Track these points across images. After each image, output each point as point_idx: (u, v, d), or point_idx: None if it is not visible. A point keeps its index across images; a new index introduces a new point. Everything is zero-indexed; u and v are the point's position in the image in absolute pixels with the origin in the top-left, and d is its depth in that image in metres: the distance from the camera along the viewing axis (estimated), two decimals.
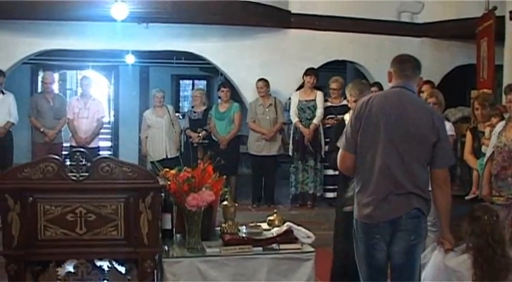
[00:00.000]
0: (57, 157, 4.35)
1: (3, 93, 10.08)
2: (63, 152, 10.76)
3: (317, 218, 9.68)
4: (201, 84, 18.99)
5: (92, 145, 10.51)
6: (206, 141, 10.51)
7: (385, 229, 4.32)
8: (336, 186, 9.70)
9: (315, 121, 10.15)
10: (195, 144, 10.51)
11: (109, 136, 17.17)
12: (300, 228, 4.98)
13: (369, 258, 4.44)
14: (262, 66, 10.88)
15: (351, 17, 11.07)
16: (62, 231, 4.30)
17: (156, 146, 10.69)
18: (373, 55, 11.29)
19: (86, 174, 4.31)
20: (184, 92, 19.76)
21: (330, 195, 10.18)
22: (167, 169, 4.83)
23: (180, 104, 19.08)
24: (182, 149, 10.96)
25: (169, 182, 4.57)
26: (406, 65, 4.58)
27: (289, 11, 10.89)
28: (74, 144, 10.50)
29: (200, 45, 10.91)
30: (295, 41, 11.08)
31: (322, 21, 11.01)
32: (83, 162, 4.32)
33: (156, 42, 10.87)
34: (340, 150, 4.59)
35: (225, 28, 10.71)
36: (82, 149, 4.62)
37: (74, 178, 4.29)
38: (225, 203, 5.04)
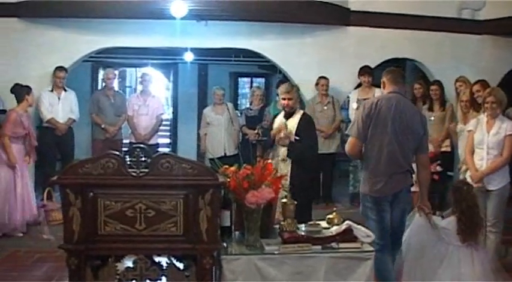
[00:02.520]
0: (117, 153, 4.37)
1: (65, 90, 10.24)
2: (122, 148, 10.90)
3: None
4: (260, 81, 18.95)
5: (151, 142, 10.60)
6: (264, 138, 10.49)
7: (389, 200, 5.71)
8: None
9: None
10: (253, 142, 10.50)
11: (168, 133, 17.28)
12: (359, 227, 4.93)
13: (381, 221, 5.68)
14: (321, 64, 10.83)
15: (411, 14, 10.91)
16: (122, 227, 4.34)
17: (215, 143, 10.71)
18: (433, 53, 11.14)
19: (146, 170, 4.32)
20: (242, 89, 19.72)
21: None
22: (227, 166, 4.82)
23: (238, 102, 19.06)
24: (240, 147, 10.95)
25: (228, 179, 4.56)
26: (397, 74, 5.98)
27: (349, 9, 10.78)
28: (133, 140, 10.62)
29: (258, 42, 10.90)
30: (354, 39, 10.98)
31: (382, 18, 10.88)
32: (143, 159, 4.33)
33: (214, 40, 10.87)
34: (352, 139, 5.85)
35: (284, 26, 10.68)
36: (142, 145, 4.62)
37: (134, 174, 4.31)
38: (284, 200, 5.02)
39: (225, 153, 10.56)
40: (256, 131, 10.48)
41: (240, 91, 19.56)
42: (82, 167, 4.30)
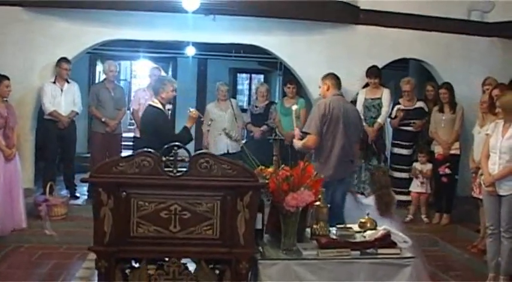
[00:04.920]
0: (154, 151, 4.18)
1: (67, 82, 9.98)
2: (122, 143, 10.71)
3: None
4: (259, 78, 18.78)
5: None
6: (282, 138, 10.32)
7: (335, 184, 6.81)
8: (403, 189, 9.59)
9: (379, 120, 9.89)
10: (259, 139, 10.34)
11: None
12: (397, 232, 4.80)
13: (332, 202, 5.89)
14: (329, 62, 10.58)
15: (421, 15, 10.73)
16: (155, 229, 4.18)
17: (217, 140, 10.51)
18: (442, 54, 10.97)
19: (183, 170, 4.14)
20: (240, 85, 19.53)
21: None
22: (263, 167, 4.66)
23: (236, 98, 18.96)
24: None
25: (267, 181, 4.39)
26: (338, 80, 7.41)
27: (358, 7, 10.60)
28: (137, 135, 10.39)
29: (266, 38, 10.66)
30: (363, 38, 10.76)
31: (391, 18, 10.67)
32: (180, 158, 4.16)
33: (222, 35, 10.62)
34: (312, 136, 6.98)
35: (292, 22, 10.43)
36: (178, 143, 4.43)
37: (171, 174, 4.13)
38: (318, 203, 4.85)
39: (227, 151, 10.35)
40: (262, 129, 10.31)
41: (238, 87, 19.37)
42: (116, 166, 4.11)
